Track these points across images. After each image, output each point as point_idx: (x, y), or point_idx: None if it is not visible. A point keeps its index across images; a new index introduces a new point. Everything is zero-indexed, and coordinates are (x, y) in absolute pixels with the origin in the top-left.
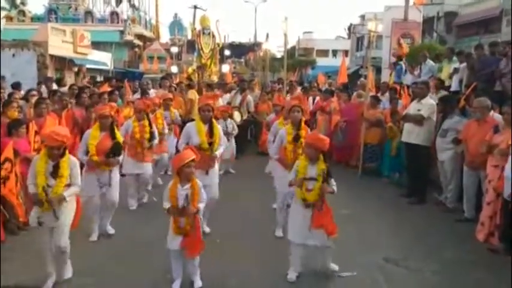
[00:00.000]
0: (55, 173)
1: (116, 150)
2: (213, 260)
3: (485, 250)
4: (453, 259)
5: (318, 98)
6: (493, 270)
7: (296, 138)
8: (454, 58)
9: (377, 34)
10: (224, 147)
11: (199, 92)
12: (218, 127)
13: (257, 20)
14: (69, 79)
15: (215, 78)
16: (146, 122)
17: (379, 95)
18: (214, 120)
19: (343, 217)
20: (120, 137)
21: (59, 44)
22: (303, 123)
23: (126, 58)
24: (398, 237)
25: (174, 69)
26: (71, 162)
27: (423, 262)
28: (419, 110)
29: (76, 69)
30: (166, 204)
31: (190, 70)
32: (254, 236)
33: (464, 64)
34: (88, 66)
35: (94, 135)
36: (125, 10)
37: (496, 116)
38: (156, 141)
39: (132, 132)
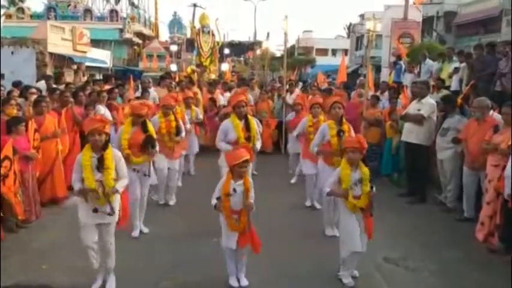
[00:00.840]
0: (100, 165)
1: (149, 141)
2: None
3: (485, 250)
4: (453, 259)
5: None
6: (493, 270)
7: (340, 134)
8: (454, 58)
9: (376, 33)
10: (260, 143)
11: (200, 90)
12: (254, 121)
13: (256, 18)
14: (69, 77)
15: (214, 77)
16: (172, 117)
17: (378, 94)
18: (250, 116)
19: None
20: (152, 130)
21: (58, 41)
22: (344, 119)
23: (125, 56)
24: (397, 237)
25: (173, 67)
26: (115, 155)
27: (422, 262)
28: (419, 110)
29: (75, 67)
30: (215, 201)
31: (189, 70)
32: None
33: (464, 64)
34: (87, 64)
35: (126, 131)
36: (124, 8)
37: (495, 115)
38: (183, 134)
39: (159, 128)
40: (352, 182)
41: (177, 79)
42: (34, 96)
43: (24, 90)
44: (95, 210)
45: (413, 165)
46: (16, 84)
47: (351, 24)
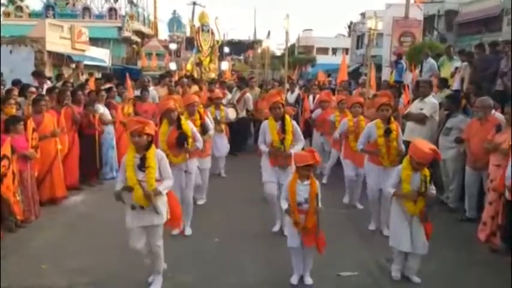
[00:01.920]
0: (142, 165)
1: (181, 140)
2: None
3: (486, 250)
4: (454, 259)
5: (318, 96)
6: (494, 270)
7: (387, 132)
8: (455, 57)
9: (377, 32)
10: (302, 145)
11: (200, 89)
12: (292, 123)
13: (256, 17)
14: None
15: (213, 76)
16: (197, 116)
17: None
18: (287, 117)
19: (344, 216)
20: (188, 128)
21: (56, 40)
22: (392, 118)
23: (124, 55)
24: None
25: (172, 66)
26: (157, 154)
27: (424, 262)
28: (421, 109)
29: (74, 65)
30: (285, 204)
31: (189, 66)
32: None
33: (466, 63)
34: (86, 62)
35: (163, 132)
36: (123, 6)
37: (498, 115)
38: (211, 132)
39: None
40: (413, 185)
41: (176, 78)
42: (33, 95)
43: (23, 89)
44: (133, 207)
45: None
46: (16, 83)
47: (351, 22)
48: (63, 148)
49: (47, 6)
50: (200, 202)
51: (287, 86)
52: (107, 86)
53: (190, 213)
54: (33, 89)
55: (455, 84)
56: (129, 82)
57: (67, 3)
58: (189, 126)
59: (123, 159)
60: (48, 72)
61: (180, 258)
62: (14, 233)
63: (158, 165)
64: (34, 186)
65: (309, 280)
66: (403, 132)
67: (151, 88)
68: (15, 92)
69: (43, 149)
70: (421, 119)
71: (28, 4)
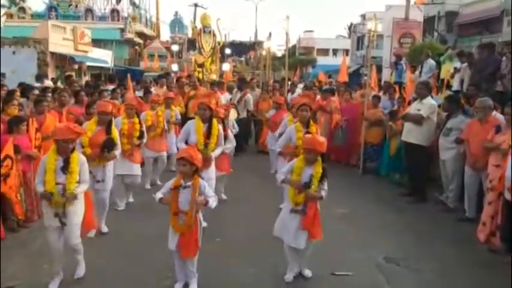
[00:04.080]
0: (66, 168)
1: (108, 145)
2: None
3: (486, 250)
4: (454, 259)
5: (318, 97)
6: (494, 270)
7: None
8: (455, 58)
9: (377, 33)
10: (221, 149)
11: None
12: (218, 127)
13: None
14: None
15: (215, 77)
16: (136, 120)
17: (380, 94)
18: (214, 120)
19: (343, 216)
20: (116, 134)
21: (59, 41)
22: (311, 121)
23: (126, 56)
24: (399, 236)
25: (174, 67)
26: (80, 159)
27: (424, 262)
28: (419, 110)
29: (77, 66)
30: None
31: (197, 69)
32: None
33: (466, 64)
34: (88, 64)
35: (90, 128)
36: (125, 8)
37: (498, 116)
38: (144, 140)
39: (121, 129)
40: (302, 178)
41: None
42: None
43: (26, 89)
44: (56, 215)
45: (413, 165)
46: (22, 85)
47: (352, 24)
48: None
49: (50, 8)
50: (130, 199)
51: (288, 87)
52: (110, 87)
53: (105, 213)
54: (36, 91)
55: (455, 85)
56: (130, 83)
57: (70, 5)
58: (116, 133)
59: (43, 162)
60: (51, 73)
61: None
62: (17, 232)
63: (79, 169)
64: None
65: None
66: (401, 133)
67: (152, 89)
68: (18, 93)
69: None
70: (417, 120)
71: (31, 5)
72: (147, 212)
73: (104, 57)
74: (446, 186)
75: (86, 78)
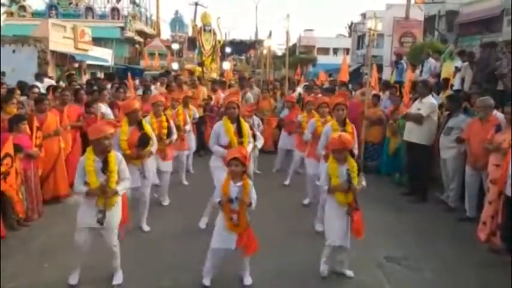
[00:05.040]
0: (105, 168)
1: (142, 142)
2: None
3: (486, 250)
4: (454, 258)
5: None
6: (494, 270)
7: None
8: (456, 57)
9: (377, 33)
10: (252, 146)
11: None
12: (246, 125)
13: (258, 17)
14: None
15: (215, 76)
16: (164, 118)
17: (381, 93)
18: (242, 119)
19: None
20: (148, 129)
21: (59, 40)
22: (347, 120)
23: (126, 54)
24: (399, 236)
25: (174, 66)
26: (117, 157)
27: (424, 261)
28: (419, 109)
29: (77, 65)
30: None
31: (197, 68)
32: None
33: (466, 63)
34: (89, 62)
35: (124, 131)
36: (125, 6)
37: (498, 115)
38: (174, 136)
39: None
40: (340, 177)
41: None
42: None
43: (24, 88)
44: (101, 212)
45: (413, 165)
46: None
47: (352, 23)
48: (66, 146)
49: (50, 6)
50: (165, 203)
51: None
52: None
53: (146, 212)
54: (36, 89)
55: (455, 84)
56: (130, 82)
57: (70, 3)
58: (149, 128)
59: (81, 164)
60: (51, 71)
61: (180, 258)
62: (17, 231)
63: (118, 168)
64: (38, 185)
65: (249, 279)
66: (402, 133)
67: (153, 87)
68: (18, 91)
69: (46, 147)
70: (417, 119)
71: (31, 4)
72: (149, 213)
73: (104, 55)
74: (446, 185)
75: (86, 77)
